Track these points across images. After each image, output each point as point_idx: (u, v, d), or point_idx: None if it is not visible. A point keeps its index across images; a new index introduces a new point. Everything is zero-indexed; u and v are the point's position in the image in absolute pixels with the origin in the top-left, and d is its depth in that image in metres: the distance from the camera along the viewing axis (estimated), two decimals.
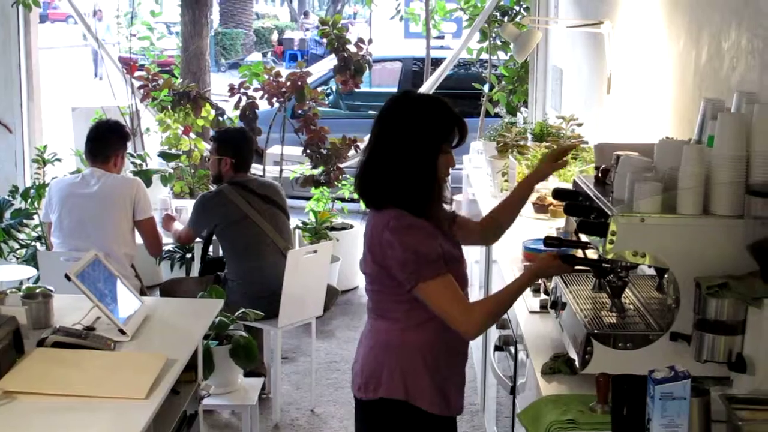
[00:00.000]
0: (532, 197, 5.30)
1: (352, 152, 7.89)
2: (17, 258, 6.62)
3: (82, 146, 5.69)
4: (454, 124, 3.04)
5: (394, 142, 2.99)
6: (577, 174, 4.25)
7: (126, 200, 5.34)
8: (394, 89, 12.06)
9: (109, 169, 5.42)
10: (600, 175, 3.35)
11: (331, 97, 11.87)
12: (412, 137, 2.97)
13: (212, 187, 6.33)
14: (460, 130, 3.05)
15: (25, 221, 6.69)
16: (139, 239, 5.53)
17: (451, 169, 3.08)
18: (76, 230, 5.27)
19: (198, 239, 5.87)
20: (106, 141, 5.48)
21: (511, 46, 7.89)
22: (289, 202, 6.01)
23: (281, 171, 7.93)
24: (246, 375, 5.05)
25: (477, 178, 6.49)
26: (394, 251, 2.94)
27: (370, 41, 7.88)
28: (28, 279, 5.69)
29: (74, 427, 2.96)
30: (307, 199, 8.07)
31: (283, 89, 7.48)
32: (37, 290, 3.98)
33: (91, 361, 3.34)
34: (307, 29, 29.83)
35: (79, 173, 5.64)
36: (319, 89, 8.61)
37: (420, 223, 2.96)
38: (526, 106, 9.42)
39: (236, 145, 5.72)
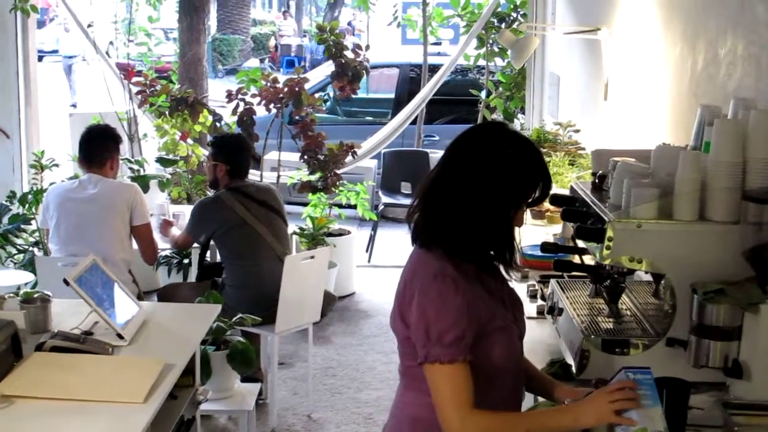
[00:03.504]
0: None
1: (349, 158, 7.90)
2: (15, 263, 6.61)
3: None
4: (544, 178, 2.52)
5: (471, 182, 2.46)
6: (574, 180, 4.27)
7: (123, 205, 5.33)
8: (392, 95, 12.07)
9: (105, 174, 5.42)
10: (597, 180, 3.36)
11: (328, 103, 11.87)
12: (497, 183, 2.46)
13: (210, 192, 6.33)
14: (545, 186, 2.53)
15: (22, 226, 6.69)
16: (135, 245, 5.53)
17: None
18: (73, 236, 5.27)
19: (195, 245, 5.87)
20: (99, 146, 5.47)
21: (509, 52, 7.91)
22: (287, 207, 6.01)
23: (278, 177, 7.93)
24: (243, 380, 5.05)
25: None
26: (414, 313, 2.46)
27: (367, 47, 7.89)
28: (26, 284, 5.67)
29: (72, 431, 2.96)
30: (305, 204, 8.07)
31: (281, 95, 7.48)
32: (36, 295, 3.98)
33: (89, 366, 3.34)
34: (282, 35, 29.96)
35: (76, 179, 5.64)
36: (317, 95, 8.62)
37: (459, 290, 2.43)
38: (524, 113, 9.45)
39: (231, 151, 5.73)
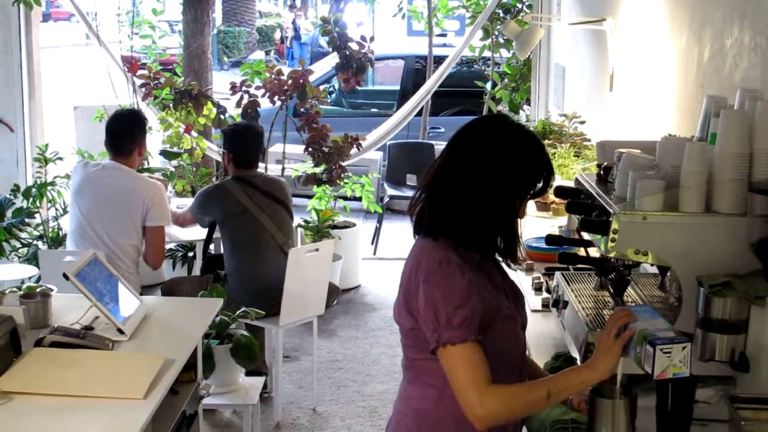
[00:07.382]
0: None
1: (354, 150, 7.87)
2: (19, 257, 6.61)
3: (84, 144, 5.63)
4: (546, 169, 2.54)
5: (476, 174, 2.48)
6: (579, 172, 4.24)
7: (138, 205, 5.17)
8: (397, 87, 12.06)
9: (132, 161, 5.28)
10: (602, 172, 3.33)
11: (333, 95, 11.85)
12: (501, 174, 2.47)
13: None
14: (548, 177, 2.54)
15: (26, 220, 6.68)
16: None
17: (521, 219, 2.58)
18: (88, 218, 5.13)
19: (199, 239, 5.84)
20: (127, 134, 5.30)
21: (514, 43, 7.85)
22: (292, 200, 5.98)
23: (283, 169, 7.91)
24: (247, 374, 5.03)
25: None
26: (422, 301, 2.46)
27: (372, 39, 7.86)
28: (30, 278, 5.67)
29: (71, 427, 2.94)
30: (309, 197, 8.06)
31: (285, 87, 7.45)
32: (37, 289, 3.96)
33: (88, 361, 3.32)
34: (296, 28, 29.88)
35: (100, 163, 5.41)
36: (321, 87, 8.59)
37: (464, 275, 2.44)
38: (529, 104, 9.42)
39: (235, 140, 5.71)
